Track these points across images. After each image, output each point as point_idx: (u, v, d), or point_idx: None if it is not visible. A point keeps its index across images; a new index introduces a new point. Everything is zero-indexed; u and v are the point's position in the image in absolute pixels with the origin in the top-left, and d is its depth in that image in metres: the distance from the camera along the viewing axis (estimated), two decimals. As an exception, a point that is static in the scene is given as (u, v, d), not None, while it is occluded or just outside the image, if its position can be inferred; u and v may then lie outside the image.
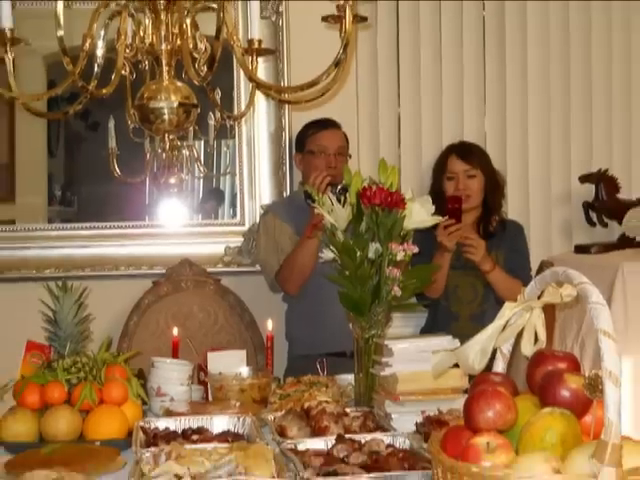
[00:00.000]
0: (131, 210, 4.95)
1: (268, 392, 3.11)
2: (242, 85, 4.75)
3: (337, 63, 2.38)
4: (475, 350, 2.16)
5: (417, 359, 2.82)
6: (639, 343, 3.95)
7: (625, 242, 4.66)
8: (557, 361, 2.12)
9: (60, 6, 2.39)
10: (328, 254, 3.10)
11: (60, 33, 2.42)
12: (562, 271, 2.01)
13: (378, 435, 2.54)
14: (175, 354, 3.48)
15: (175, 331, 3.59)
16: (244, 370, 3.18)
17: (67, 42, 2.43)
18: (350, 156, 4.57)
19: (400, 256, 2.95)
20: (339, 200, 3.08)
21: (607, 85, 5.13)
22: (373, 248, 2.95)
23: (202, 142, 4.00)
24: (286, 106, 4.81)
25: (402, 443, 2.49)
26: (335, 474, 2.22)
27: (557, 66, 5.09)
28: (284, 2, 4.79)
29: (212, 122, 3.14)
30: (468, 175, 4.33)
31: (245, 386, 3.06)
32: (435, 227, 3.71)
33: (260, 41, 2.82)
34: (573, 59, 5.09)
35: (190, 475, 2.26)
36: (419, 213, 3.05)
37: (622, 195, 4.89)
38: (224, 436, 2.65)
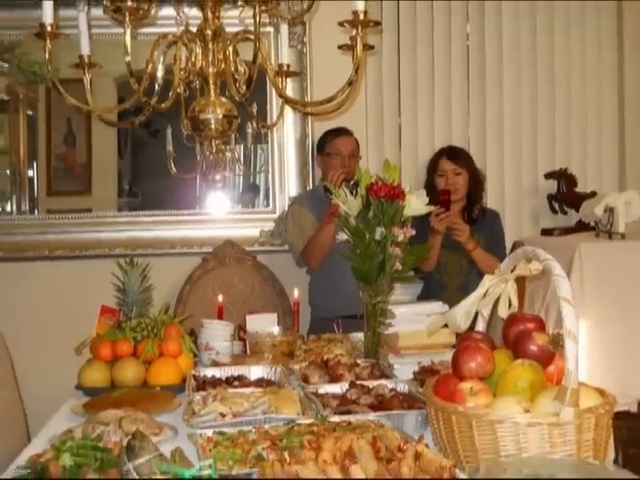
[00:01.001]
0: (184, 201, 4.94)
1: (294, 347, 3.11)
2: (274, 100, 4.73)
3: (350, 83, 2.37)
4: (461, 313, 2.16)
5: (414, 320, 2.81)
6: (593, 309, 3.93)
7: (581, 227, 4.64)
8: (527, 322, 2.11)
9: (128, 37, 2.39)
10: (343, 236, 3.09)
11: (128, 59, 2.42)
12: (531, 250, 2.01)
13: (383, 381, 2.54)
14: (220, 316, 3.48)
15: (220, 298, 3.58)
16: (275, 329, 3.17)
17: (133, 66, 2.43)
18: (360, 157, 4.55)
19: (400, 238, 2.94)
20: (352, 193, 3.07)
21: (567, 100, 5.10)
22: (379, 231, 2.94)
23: (242, 146, 4.00)
24: (309, 117, 4.79)
25: (402, 388, 2.49)
26: (348, 412, 2.23)
27: (526, 87, 5.06)
28: (308, 34, 4.78)
29: (250, 130, 3.15)
30: (455, 173, 4.31)
31: (276, 342, 3.05)
32: (429, 215, 3.69)
33: (288, 65, 2.83)
34: (540, 83, 5.07)
35: (232, 413, 2.27)
36: (416, 203, 3.03)
37: (579, 189, 4.87)
38: (259, 382, 2.66)
